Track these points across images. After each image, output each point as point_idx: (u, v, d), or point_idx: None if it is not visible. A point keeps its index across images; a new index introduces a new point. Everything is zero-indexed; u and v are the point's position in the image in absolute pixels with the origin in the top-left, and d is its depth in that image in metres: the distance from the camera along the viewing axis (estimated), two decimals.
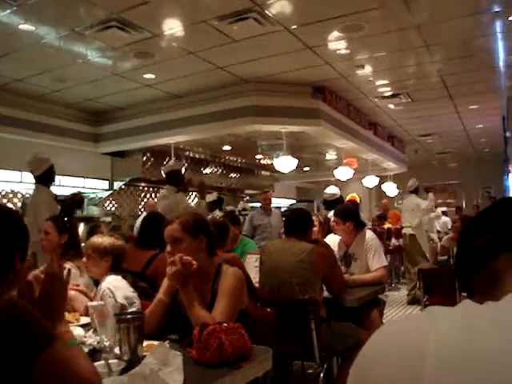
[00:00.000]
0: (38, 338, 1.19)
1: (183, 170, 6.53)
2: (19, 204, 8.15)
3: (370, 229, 4.94)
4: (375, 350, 0.64)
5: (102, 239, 2.73)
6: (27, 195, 8.33)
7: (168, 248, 2.36)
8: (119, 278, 2.63)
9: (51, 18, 4.99)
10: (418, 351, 0.57)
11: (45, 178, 5.12)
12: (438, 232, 9.14)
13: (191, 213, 2.54)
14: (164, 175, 6.03)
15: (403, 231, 8.26)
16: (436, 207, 9.34)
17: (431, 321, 0.61)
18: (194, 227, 2.36)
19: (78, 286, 2.86)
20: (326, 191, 7.10)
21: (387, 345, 0.62)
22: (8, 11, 4.73)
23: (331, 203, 6.65)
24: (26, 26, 5.09)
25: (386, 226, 10.35)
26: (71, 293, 2.68)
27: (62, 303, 1.54)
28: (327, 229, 4.82)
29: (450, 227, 9.12)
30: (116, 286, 2.53)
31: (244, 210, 9.63)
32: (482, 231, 0.77)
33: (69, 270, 1.63)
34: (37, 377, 1.18)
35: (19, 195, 8.31)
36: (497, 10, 5.07)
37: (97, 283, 2.70)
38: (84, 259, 2.73)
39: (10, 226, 1.39)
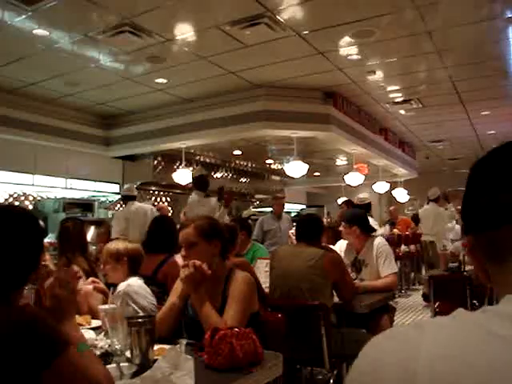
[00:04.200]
0: (50, 345, 1.19)
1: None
2: (30, 206, 8.22)
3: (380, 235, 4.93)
4: (367, 367, 0.59)
5: (115, 244, 2.79)
6: (38, 198, 8.41)
7: (182, 252, 2.36)
8: (141, 282, 2.65)
9: (65, 23, 5.04)
10: (409, 370, 0.54)
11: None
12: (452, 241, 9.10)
13: (206, 216, 2.53)
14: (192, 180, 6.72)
15: (422, 238, 8.77)
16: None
17: (421, 336, 0.57)
18: (208, 232, 2.36)
19: (97, 283, 2.87)
20: (358, 196, 7.58)
21: (378, 362, 0.58)
22: (22, 16, 4.79)
23: (361, 208, 6.86)
24: (39, 31, 5.15)
25: (396, 232, 10.29)
26: (89, 288, 2.70)
27: (70, 307, 1.55)
28: (333, 234, 4.81)
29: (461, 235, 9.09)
30: (135, 292, 2.55)
31: (253, 215, 9.65)
32: (486, 188, 0.67)
33: (76, 272, 1.64)
34: (48, 382, 1.18)
35: (31, 198, 8.37)
36: (509, 15, 5.05)
37: (109, 287, 2.71)
38: (102, 266, 2.77)
39: (34, 229, 1.41)
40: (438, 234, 8.23)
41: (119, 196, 9.56)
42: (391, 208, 12.12)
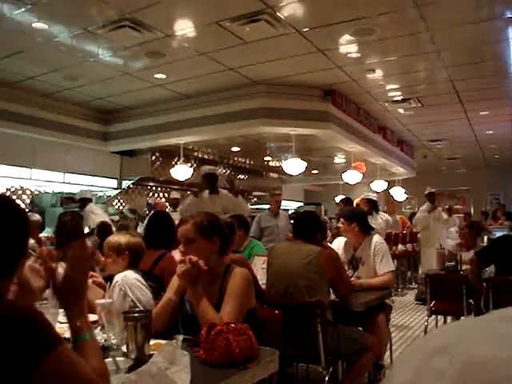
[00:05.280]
0: (40, 343, 1.17)
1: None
2: (28, 200, 8.21)
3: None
4: (460, 375, 0.44)
5: (117, 237, 2.78)
6: (36, 192, 8.40)
7: (181, 248, 2.35)
8: (137, 275, 2.65)
9: (64, 16, 5.03)
10: None
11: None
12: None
13: (205, 213, 2.51)
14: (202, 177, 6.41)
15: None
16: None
17: None
18: (207, 229, 2.35)
19: (96, 277, 2.87)
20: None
21: (477, 367, 0.43)
22: (22, 10, 4.77)
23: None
24: (39, 25, 5.14)
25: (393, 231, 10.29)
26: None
27: (82, 289, 1.53)
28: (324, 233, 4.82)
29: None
30: (130, 283, 2.55)
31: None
32: None
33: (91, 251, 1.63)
34: (38, 381, 1.18)
35: (28, 192, 8.36)
36: (509, 16, 5.05)
37: (107, 280, 2.71)
38: (103, 258, 2.78)
39: (19, 216, 1.38)
40: (422, 231, 8.71)
41: (117, 191, 9.60)
42: (385, 208, 12.28)
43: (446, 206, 9.18)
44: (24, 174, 7.85)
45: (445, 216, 8.55)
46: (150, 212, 8.63)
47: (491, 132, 10.48)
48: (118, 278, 2.57)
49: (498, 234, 6.61)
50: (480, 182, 15.30)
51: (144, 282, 2.66)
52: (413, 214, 11.85)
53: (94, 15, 4.98)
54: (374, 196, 7.50)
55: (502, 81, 7.16)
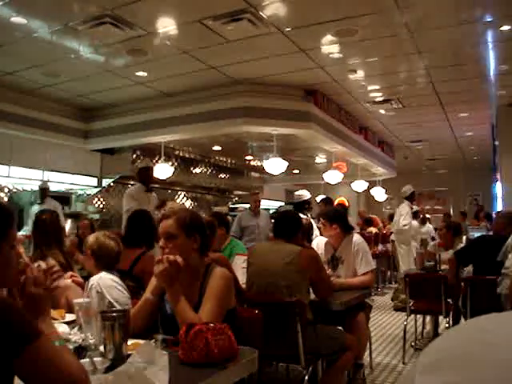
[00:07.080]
0: (21, 333, 1.17)
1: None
2: (6, 198, 8.09)
3: (358, 233, 4.96)
4: None
5: (92, 236, 2.83)
6: (14, 190, 8.28)
7: (161, 243, 2.32)
8: (112, 276, 2.63)
9: (44, 11, 4.95)
10: None
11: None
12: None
13: (188, 209, 2.50)
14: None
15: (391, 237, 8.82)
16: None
17: None
18: (189, 225, 2.32)
19: (75, 276, 2.87)
20: (295, 193, 7.14)
21: None
22: (0, 3, 4.69)
23: (298, 205, 6.64)
24: (17, 19, 5.05)
25: (374, 230, 10.37)
26: (67, 281, 2.70)
27: (45, 304, 1.52)
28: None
29: (433, 234, 9.20)
30: (106, 285, 2.54)
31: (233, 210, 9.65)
32: None
33: (52, 266, 1.62)
34: (20, 373, 1.16)
35: (6, 190, 8.23)
36: (489, 19, 5.11)
37: (86, 279, 2.71)
38: (80, 256, 2.84)
39: None
40: (397, 233, 7.95)
41: (97, 190, 9.51)
42: (360, 209, 12.50)
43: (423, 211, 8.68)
44: (2, 172, 7.73)
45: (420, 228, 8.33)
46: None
47: (471, 134, 10.62)
48: (93, 280, 2.56)
49: (477, 234, 6.70)
50: (459, 183, 15.51)
51: (121, 282, 2.64)
52: (392, 215, 11.94)
53: (75, 11, 4.91)
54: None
55: (481, 83, 7.26)
